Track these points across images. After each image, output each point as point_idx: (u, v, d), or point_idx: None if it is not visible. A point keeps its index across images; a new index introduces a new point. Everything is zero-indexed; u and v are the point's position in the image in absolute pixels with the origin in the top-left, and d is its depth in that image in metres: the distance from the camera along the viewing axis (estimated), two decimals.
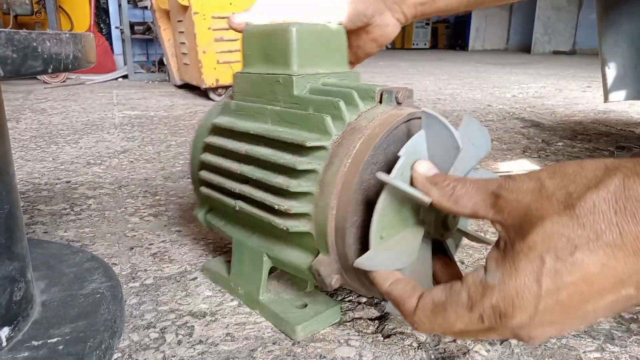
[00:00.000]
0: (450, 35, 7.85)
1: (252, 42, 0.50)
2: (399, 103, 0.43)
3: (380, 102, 0.44)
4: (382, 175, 0.37)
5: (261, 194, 0.46)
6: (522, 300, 0.28)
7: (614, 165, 0.29)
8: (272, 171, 0.45)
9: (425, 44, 7.83)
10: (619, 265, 0.27)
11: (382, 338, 0.46)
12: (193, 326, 0.48)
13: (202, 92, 2.15)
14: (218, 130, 0.53)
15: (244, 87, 0.52)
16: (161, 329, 0.48)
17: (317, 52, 0.48)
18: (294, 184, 0.42)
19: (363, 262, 0.38)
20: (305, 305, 0.49)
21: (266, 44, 0.49)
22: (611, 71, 0.86)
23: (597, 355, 0.44)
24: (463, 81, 2.73)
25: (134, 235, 0.71)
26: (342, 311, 0.50)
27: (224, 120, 0.51)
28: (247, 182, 0.48)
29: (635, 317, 0.50)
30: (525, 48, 6.20)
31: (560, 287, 0.27)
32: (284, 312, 0.48)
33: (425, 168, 0.37)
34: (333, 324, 0.49)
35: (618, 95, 0.85)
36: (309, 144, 0.41)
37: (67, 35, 0.35)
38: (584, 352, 0.44)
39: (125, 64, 3.10)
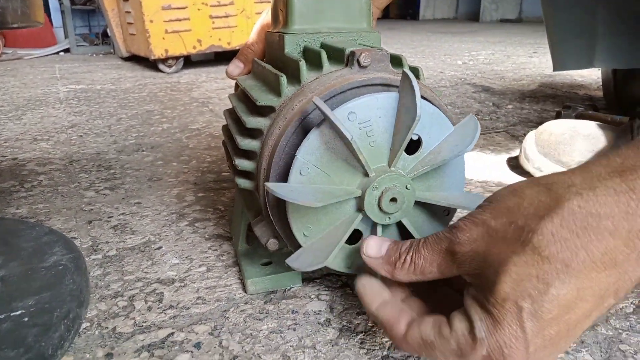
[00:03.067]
0: (400, 4, 7.85)
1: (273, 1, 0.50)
2: (362, 67, 0.40)
3: (346, 64, 0.40)
4: (269, 186, 0.35)
5: (231, 148, 0.47)
6: (512, 349, 0.28)
7: (555, 185, 0.28)
8: (238, 127, 0.46)
9: None
10: (594, 284, 0.26)
11: (352, 290, 0.48)
12: (162, 292, 0.48)
13: (151, 64, 2.07)
14: (236, 88, 0.55)
15: (268, 46, 0.51)
16: (129, 297, 0.47)
17: (324, 10, 0.45)
18: (242, 142, 0.42)
19: (291, 263, 0.38)
20: (269, 263, 0.50)
21: (277, 2, 0.48)
22: (555, 43, 0.88)
23: None
24: (415, 50, 2.76)
25: (91, 209, 0.69)
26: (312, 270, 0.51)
27: (241, 79, 0.51)
28: (230, 138, 0.48)
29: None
30: (473, 17, 6.30)
31: (545, 325, 0.27)
32: (247, 265, 0.50)
33: (374, 249, 0.36)
34: (291, 288, 0.48)
35: (564, 66, 0.87)
36: (260, 103, 0.41)
37: None
38: None
39: (66, 37, 2.93)
